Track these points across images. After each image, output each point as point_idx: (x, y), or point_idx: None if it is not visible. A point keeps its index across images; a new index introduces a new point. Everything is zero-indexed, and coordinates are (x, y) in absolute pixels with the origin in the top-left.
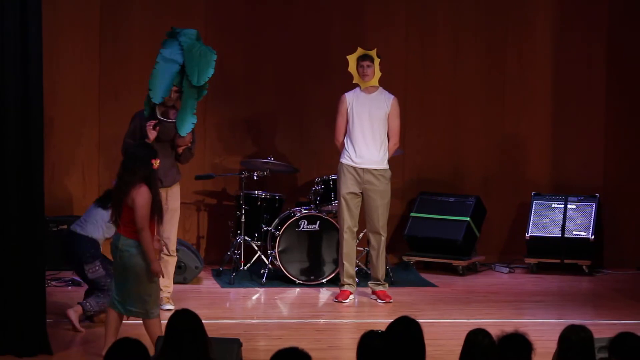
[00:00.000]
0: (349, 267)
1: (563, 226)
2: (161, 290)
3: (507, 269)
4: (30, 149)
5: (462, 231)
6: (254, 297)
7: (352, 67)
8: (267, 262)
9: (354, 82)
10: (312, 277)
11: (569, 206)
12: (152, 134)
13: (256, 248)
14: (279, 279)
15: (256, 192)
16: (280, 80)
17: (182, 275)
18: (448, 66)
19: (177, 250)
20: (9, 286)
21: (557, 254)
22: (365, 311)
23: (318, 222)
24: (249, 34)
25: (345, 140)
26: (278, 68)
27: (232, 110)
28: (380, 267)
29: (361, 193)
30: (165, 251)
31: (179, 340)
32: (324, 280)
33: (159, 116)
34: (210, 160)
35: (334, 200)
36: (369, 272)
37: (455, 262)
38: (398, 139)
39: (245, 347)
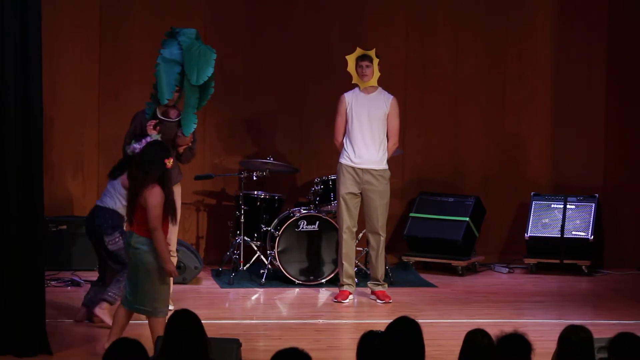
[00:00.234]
0: (349, 267)
1: (562, 226)
2: None
3: (507, 269)
4: (30, 149)
5: (462, 231)
6: (254, 298)
7: (351, 67)
8: (266, 262)
9: (353, 82)
10: (312, 278)
11: (568, 206)
12: (152, 134)
13: (255, 248)
14: (278, 279)
15: (255, 192)
16: (280, 80)
17: (182, 275)
18: (448, 66)
19: (176, 250)
20: (9, 286)
21: (557, 254)
22: (365, 311)
23: (317, 222)
24: (249, 34)
25: (344, 140)
26: (278, 68)
27: (232, 110)
28: (380, 267)
29: (360, 193)
30: None
31: (178, 341)
32: (323, 281)
33: (159, 116)
34: (210, 161)
35: (334, 200)
36: (369, 272)
37: (454, 263)
38: (397, 139)
39: (244, 347)
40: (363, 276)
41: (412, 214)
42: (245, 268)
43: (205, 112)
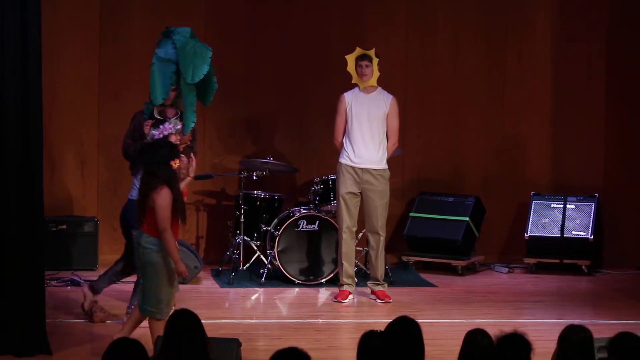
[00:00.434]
0: (348, 267)
1: (562, 226)
2: None
3: (507, 268)
4: (30, 148)
5: (462, 231)
6: (253, 297)
7: (350, 67)
8: (266, 262)
9: (352, 81)
10: (312, 277)
11: (568, 206)
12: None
13: (255, 248)
14: (278, 278)
15: (255, 192)
16: (280, 80)
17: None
18: (448, 66)
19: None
20: (9, 286)
21: (557, 254)
22: (365, 311)
23: (317, 222)
24: (249, 34)
25: (344, 140)
26: (278, 68)
27: (232, 110)
28: (380, 267)
29: (360, 193)
30: None
31: (178, 340)
32: (323, 280)
33: (156, 115)
34: (210, 160)
35: (333, 200)
36: (368, 272)
37: (454, 262)
38: (397, 139)
39: (244, 347)
40: (363, 276)
41: (412, 214)
42: (245, 268)
43: (205, 112)
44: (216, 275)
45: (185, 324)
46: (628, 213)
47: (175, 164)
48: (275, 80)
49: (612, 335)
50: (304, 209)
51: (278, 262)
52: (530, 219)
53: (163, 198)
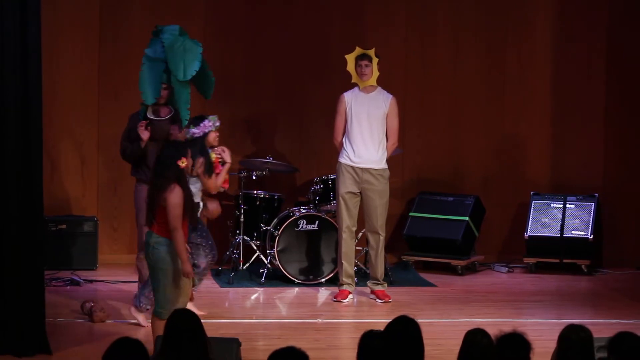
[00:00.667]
0: (348, 266)
1: (562, 226)
2: None
3: (506, 268)
4: (30, 148)
5: (461, 231)
6: (253, 297)
7: (350, 67)
8: (266, 261)
9: (352, 81)
10: (311, 277)
11: (567, 206)
12: (144, 135)
13: (255, 248)
14: (278, 278)
15: (255, 191)
16: (280, 80)
17: None
18: (448, 66)
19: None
20: (9, 286)
21: (556, 254)
22: (364, 311)
23: (317, 221)
24: (249, 33)
25: (343, 139)
26: (278, 68)
27: (232, 110)
28: (379, 266)
29: (360, 193)
30: None
31: (178, 340)
32: (322, 280)
33: (149, 115)
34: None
35: (333, 199)
36: (368, 271)
37: (454, 262)
38: (397, 139)
39: (244, 346)
40: (363, 275)
41: (411, 214)
42: (244, 267)
43: (204, 112)
44: (216, 275)
45: (185, 323)
46: (628, 213)
47: (183, 162)
48: (275, 80)
49: (612, 335)
50: (303, 209)
51: (278, 262)
52: (530, 219)
53: (175, 196)
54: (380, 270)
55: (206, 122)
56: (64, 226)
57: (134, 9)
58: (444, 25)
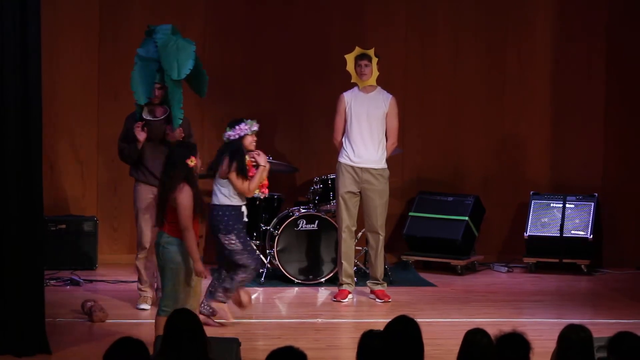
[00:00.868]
0: (348, 266)
1: (562, 225)
2: (160, 289)
3: (506, 268)
4: (30, 148)
5: (461, 231)
6: (253, 297)
7: (350, 67)
8: (265, 261)
9: (352, 81)
10: (311, 277)
11: (567, 205)
12: (141, 136)
13: (255, 247)
14: (277, 278)
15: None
16: (279, 80)
17: None
18: (448, 66)
19: None
20: (9, 286)
21: (556, 254)
22: (364, 310)
23: (317, 221)
24: (249, 33)
25: (343, 139)
26: (278, 68)
27: (231, 110)
28: (379, 266)
29: (359, 192)
30: None
31: (178, 340)
32: (322, 280)
33: (144, 116)
34: (209, 159)
35: (333, 199)
36: (368, 271)
37: (454, 262)
38: (396, 139)
39: (244, 346)
40: (362, 275)
41: (411, 213)
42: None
43: (204, 112)
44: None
45: (185, 323)
46: (627, 212)
47: (192, 162)
48: (275, 80)
49: (612, 335)
50: (303, 209)
51: (277, 262)
52: (530, 219)
53: (185, 196)
54: (380, 270)
55: (242, 125)
56: (63, 226)
57: (134, 8)
58: (444, 25)
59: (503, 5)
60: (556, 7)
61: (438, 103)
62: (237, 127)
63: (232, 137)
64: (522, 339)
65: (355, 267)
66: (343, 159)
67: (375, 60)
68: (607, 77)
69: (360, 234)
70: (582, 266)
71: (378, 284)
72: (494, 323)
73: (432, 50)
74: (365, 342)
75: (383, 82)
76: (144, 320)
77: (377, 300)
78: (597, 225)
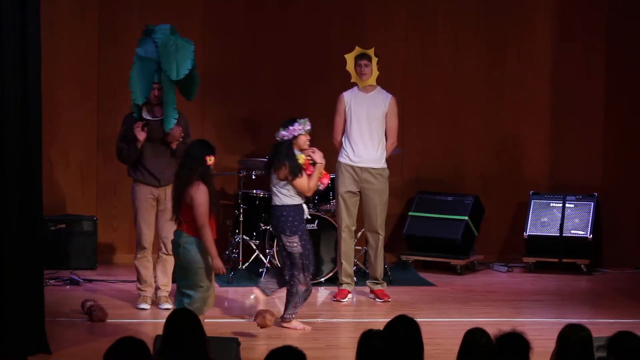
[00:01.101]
0: (347, 266)
1: (561, 225)
2: (159, 289)
3: (506, 268)
4: (30, 148)
5: (461, 230)
6: (253, 296)
7: (350, 66)
8: (265, 261)
9: (352, 81)
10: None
11: (567, 205)
12: (141, 135)
13: (254, 247)
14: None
15: (254, 191)
16: (279, 80)
17: None
18: (448, 66)
19: None
20: (9, 286)
21: (556, 253)
22: (364, 310)
23: (316, 221)
24: (248, 33)
25: (343, 139)
26: (277, 68)
27: (231, 109)
28: (379, 266)
29: (359, 192)
30: (164, 250)
31: (178, 340)
32: (322, 280)
33: (144, 116)
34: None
35: (332, 199)
36: (367, 271)
37: (453, 261)
38: (396, 138)
39: (243, 346)
40: (362, 275)
41: (411, 213)
42: (244, 267)
43: (204, 111)
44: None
45: (185, 323)
46: (627, 212)
47: (210, 160)
48: (275, 79)
49: (611, 335)
50: None
51: (277, 261)
52: (530, 218)
53: (201, 194)
54: (379, 270)
55: (296, 125)
56: (63, 226)
57: (133, 9)
58: (443, 25)
59: (503, 5)
60: (556, 7)
61: (438, 103)
62: (290, 128)
63: (285, 137)
64: (522, 338)
65: (354, 267)
66: (343, 159)
67: (375, 60)
68: (606, 76)
69: (360, 233)
70: (582, 266)
71: (378, 283)
72: (494, 323)
73: (432, 50)
74: (365, 341)
75: (383, 82)
76: (143, 320)
77: (377, 299)
78: (597, 225)
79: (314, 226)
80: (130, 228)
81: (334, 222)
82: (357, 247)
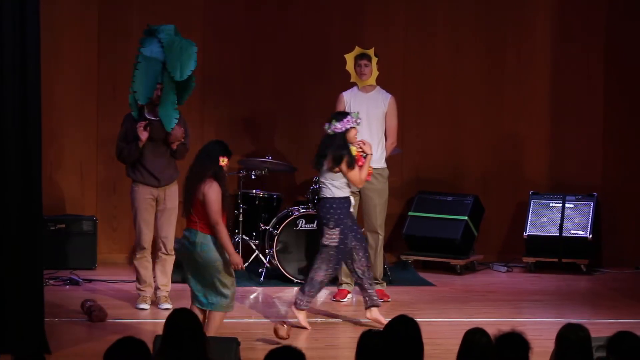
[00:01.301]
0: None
1: (561, 225)
2: (159, 289)
3: (505, 268)
4: (29, 148)
5: (460, 230)
6: (252, 296)
7: (349, 66)
8: (265, 261)
9: (351, 80)
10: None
11: (566, 205)
12: (143, 135)
13: (254, 247)
14: (276, 278)
15: (254, 191)
16: (279, 80)
17: (180, 274)
18: (448, 66)
19: (175, 249)
20: (8, 286)
21: (555, 253)
22: (363, 310)
23: (316, 221)
24: (248, 33)
25: None
26: (277, 67)
27: (231, 109)
28: (378, 266)
29: (359, 192)
30: (164, 250)
31: (177, 340)
32: None
33: (147, 116)
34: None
35: None
36: None
37: (453, 261)
38: (395, 138)
39: (243, 346)
40: None
41: (410, 213)
42: (243, 267)
43: (203, 111)
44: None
45: (185, 323)
46: (627, 212)
47: (223, 161)
48: (275, 79)
49: (611, 335)
50: (302, 208)
51: (277, 261)
52: (529, 218)
53: (213, 192)
54: (379, 270)
55: (349, 118)
56: (63, 226)
57: (134, 9)
58: (443, 26)
59: (502, 5)
60: (556, 7)
61: (437, 103)
62: (344, 120)
63: (337, 130)
64: (521, 338)
65: None
66: None
67: (375, 60)
68: (606, 76)
69: None
70: (582, 266)
71: (377, 283)
72: (494, 323)
73: (432, 50)
74: (365, 341)
75: (383, 82)
76: (143, 320)
77: None
78: (597, 225)
79: (313, 226)
80: (129, 228)
81: None
82: None
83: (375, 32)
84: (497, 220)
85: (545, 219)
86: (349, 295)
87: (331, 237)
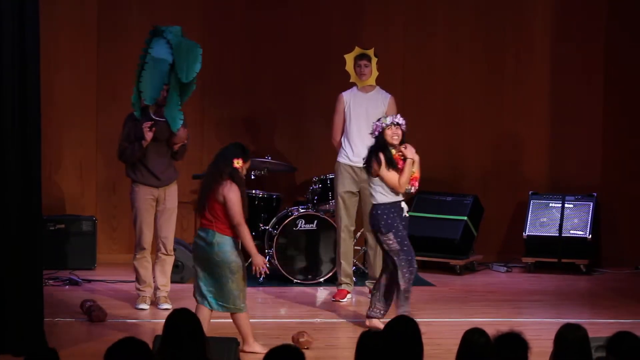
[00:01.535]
0: (347, 266)
1: (560, 225)
2: (158, 289)
3: (505, 268)
4: (29, 149)
5: (460, 230)
6: (252, 297)
7: (349, 66)
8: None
9: (351, 81)
10: (310, 277)
11: (566, 205)
12: (148, 135)
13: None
14: (276, 278)
15: (254, 191)
16: (278, 80)
17: (180, 274)
18: (447, 66)
19: (174, 249)
20: (8, 286)
21: (555, 253)
22: (363, 310)
23: (315, 221)
24: (247, 33)
25: (342, 139)
26: (277, 67)
27: (231, 109)
28: (378, 266)
29: (358, 192)
30: (163, 250)
31: (177, 340)
32: (321, 280)
33: (153, 116)
34: (208, 160)
35: (332, 199)
36: (367, 271)
37: (452, 262)
38: None
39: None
40: (361, 275)
41: (410, 213)
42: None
43: (203, 111)
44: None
45: (186, 322)
46: (626, 212)
47: (238, 163)
48: (274, 79)
49: (611, 335)
50: (302, 208)
51: (276, 262)
52: (529, 219)
53: (233, 193)
54: (378, 270)
55: (377, 122)
56: (62, 226)
57: (133, 9)
58: (443, 26)
59: (502, 6)
60: (554, 9)
61: (437, 103)
62: (376, 123)
63: (375, 133)
64: (520, 338)
65: (354, 267)
66: (342, 159)
67: (374, 60)
68: (605, 77)
69: (359, 233)
70: (581, 266)
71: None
72: (493, 323)
73: (432, 50)
74: (364, 341)
75: (382, 82)
76: (143, 320)
77: None
78: (596, 225)
79: (313, 226)
80: (129, 228)
81: (333, 222)
82: (356, 247)
83: (375, 32)
84: (497, 221)
85: (544, 219)
86: (349, 296)
87: (388, 241)
